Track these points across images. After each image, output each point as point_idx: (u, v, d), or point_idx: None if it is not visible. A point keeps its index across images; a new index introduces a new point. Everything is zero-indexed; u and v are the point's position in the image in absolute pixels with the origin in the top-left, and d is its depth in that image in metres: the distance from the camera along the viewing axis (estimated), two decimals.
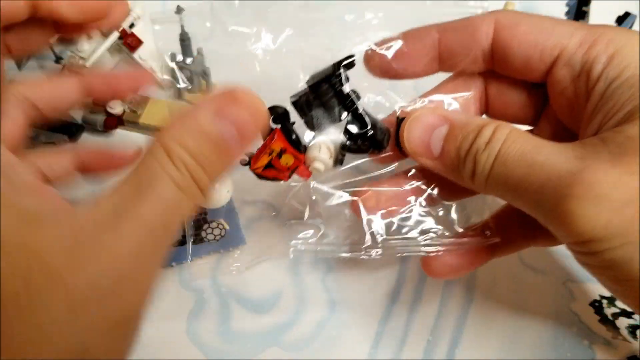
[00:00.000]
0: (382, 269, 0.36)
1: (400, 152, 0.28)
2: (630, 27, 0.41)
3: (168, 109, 0.35)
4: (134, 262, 0.20)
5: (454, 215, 0.29)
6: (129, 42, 0.40)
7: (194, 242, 0.35)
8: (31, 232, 0.20)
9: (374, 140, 0.27)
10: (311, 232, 0.31)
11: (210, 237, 0.35)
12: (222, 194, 0.28)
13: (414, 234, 0.29)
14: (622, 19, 0.40)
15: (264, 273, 0.36)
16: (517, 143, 0.24)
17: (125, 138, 0.40)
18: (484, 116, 0.30)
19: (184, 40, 0.37)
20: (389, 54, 0.28)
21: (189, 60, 0.36)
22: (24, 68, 0.42)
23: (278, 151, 0.27)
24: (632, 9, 0.41)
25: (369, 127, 0.27)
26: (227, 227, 0.36)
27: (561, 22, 0.26)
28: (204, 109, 0.23)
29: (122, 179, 0.22)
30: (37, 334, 0.19)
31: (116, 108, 0.39)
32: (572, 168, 0.22)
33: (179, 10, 0.41)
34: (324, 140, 0.27)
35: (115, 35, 0.40)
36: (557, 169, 0.22)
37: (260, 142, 0.27)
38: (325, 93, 0.27)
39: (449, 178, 0.27)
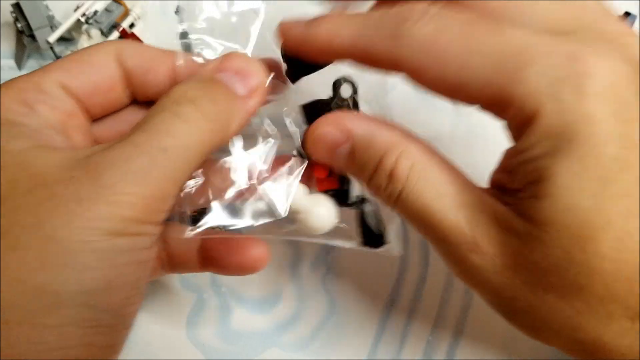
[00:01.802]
0: (382, 269, 0.36)
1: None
2: (631, 26, 0.41)
3: None
4: (123, 177, 0.20)
5: None
6: None
7: None
8: (34, 151, 0.21)
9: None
10: None
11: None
12: (323, 219, 0.26)
13: None
14: (622, 20, 0.41)
15: (264, 273, 0.36)
16: (418, 187, 0.22)
17: None
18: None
19: (185, 39, 0.37)
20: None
21: None
22: (23, 67, 0.42)
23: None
24: (633, 9, 0.41)
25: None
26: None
27: None
28: (202, 70, 0.25)
29: None
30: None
31: None
32: (462, 240, 0.22)
33: (178, 10, 0.41)
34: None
35: (115, 35, 0.40)
36: (451, 233, 0.22)
37: None
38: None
39: None
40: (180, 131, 0.22)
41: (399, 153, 0.23)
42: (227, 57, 0.25)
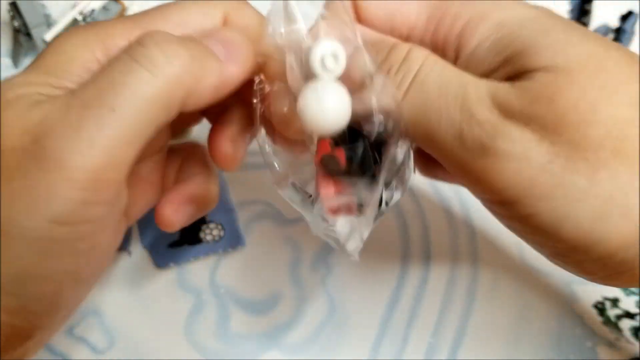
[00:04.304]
0: (383, 269, 0.36)
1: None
2: (632, 25, 0.41)
3: None
4: (69, 148, 0.18)
5: None
6: None
7: (192, 243, 0.35)
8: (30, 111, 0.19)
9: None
10: None
11: (209, 237, 0.35)
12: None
13: None
14: (625, 18, 0.40)
15: (263, 274, 0.35)
16: (436, 68, 0.20)
17: None
18: None
19: None
20: None
21: None
22: (20, 66, 0.41)
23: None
24: (635, 7, 0.41)
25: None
26: (225, 228, 0.36)
27: None
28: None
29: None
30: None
31: None
32: (493, 118, 0.19)
33: None
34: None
35: None
36: (478, 112, 0.19)
37: None
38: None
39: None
40: (139, 80, 0.18)
41: (411, 46, 0.21)
42: (216, 29, 0.22)
